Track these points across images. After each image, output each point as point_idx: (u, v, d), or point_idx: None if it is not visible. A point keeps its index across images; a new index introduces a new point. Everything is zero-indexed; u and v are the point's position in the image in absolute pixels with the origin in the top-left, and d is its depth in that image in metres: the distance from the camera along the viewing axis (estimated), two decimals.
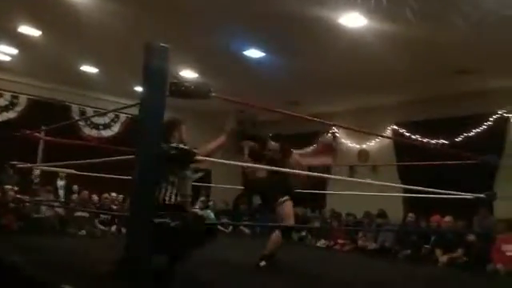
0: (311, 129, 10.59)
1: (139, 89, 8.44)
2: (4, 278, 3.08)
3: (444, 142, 8.46)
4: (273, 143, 4.34)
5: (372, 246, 7.50)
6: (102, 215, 8.02)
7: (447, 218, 6.57)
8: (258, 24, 6.01)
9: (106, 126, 10.49)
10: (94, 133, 10.29)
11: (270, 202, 4.27)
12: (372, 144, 10.09)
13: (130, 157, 3.64)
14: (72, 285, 2.29)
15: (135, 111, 2.17)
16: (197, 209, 9.30)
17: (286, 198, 4.21)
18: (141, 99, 2.16)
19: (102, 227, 7.93)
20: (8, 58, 8.27)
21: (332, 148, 4.04)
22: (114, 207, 8.39)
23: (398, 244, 7.16)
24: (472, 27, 5.26)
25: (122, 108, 3.79)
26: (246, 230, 9.42)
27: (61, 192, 8.72)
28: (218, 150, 3.30)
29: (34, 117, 8.75)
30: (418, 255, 6.50)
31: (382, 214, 8.43)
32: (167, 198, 3.30)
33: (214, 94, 2.38)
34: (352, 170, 9.68)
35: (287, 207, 4.20)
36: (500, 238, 5.58)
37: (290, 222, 4.18)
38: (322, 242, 8.33)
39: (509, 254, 5.16)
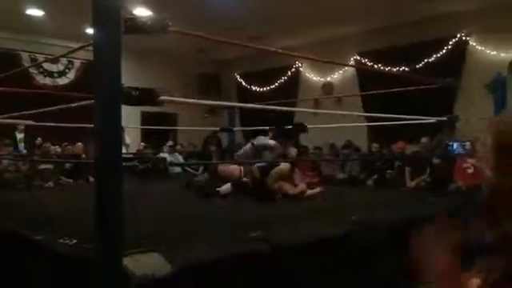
0: (277, 64, 10.47)
1: (91, 31, 7.99)
2: None
3: (405, 68, 8.57)
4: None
5: (340, 175, 7.74)
6: (66, 166, 7.79)
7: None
8: None
9: (61, 74, 9.95)
10: (48, 81, 9.78)
11: None
12: (335, 76, 10.10)
13: (89, 102, 3.50)
14: (47, 234, 2.25)
15: (91, 56, 2.02)
16: (165, 153, 9.23)
17: None
18: (93, 38, 2.02)
19: (66, 179, 7.75)
20: None
21: None
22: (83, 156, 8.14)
23: (364, 172, 7.41)
24: None
25: (74, 50, 3.55)
26: None
27: (21, 145, 8.39)
28: None
29: None
30: (384, 181, 6.73)
31: (348, 145, 8.65)
32: None
33: (172, 29, 2.26)
34: (317, 104, 9.72)
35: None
36: (459, 158, 5.88)
37: None
38: None
39: (469, 171, 5.46)
